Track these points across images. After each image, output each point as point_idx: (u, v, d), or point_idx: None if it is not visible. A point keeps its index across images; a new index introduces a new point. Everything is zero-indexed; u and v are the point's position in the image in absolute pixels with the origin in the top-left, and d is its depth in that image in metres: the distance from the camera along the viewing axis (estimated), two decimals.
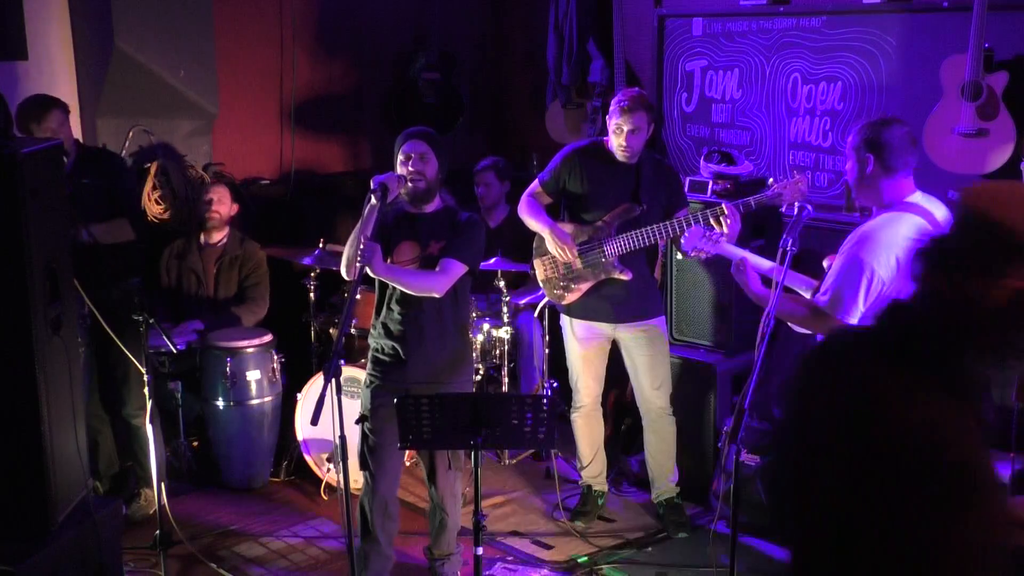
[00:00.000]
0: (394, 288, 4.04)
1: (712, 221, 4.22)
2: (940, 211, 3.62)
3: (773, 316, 3.46)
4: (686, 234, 3.97)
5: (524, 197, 4.71)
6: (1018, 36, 4.54)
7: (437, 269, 3.96)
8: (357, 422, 4.06)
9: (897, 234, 3.47)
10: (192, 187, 5.72)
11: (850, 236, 3.58)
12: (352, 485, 3.96)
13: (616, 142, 4.50)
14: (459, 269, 3.98)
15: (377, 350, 4.13)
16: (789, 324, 3.92)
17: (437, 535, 4.26)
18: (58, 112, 4.64)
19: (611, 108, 4.50)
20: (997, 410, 4.70)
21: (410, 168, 3.97)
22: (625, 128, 4.45)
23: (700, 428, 5.00)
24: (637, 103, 4.45)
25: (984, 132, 4.51)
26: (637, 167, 4.56)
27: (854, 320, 3.51)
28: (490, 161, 6.07)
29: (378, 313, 4.13)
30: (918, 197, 3.58)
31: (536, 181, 4.71)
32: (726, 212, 4.18)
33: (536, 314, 5.49)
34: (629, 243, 4.49)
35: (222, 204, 5.45)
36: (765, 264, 3.82)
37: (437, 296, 3.96)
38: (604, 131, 4.68)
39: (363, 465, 4.12)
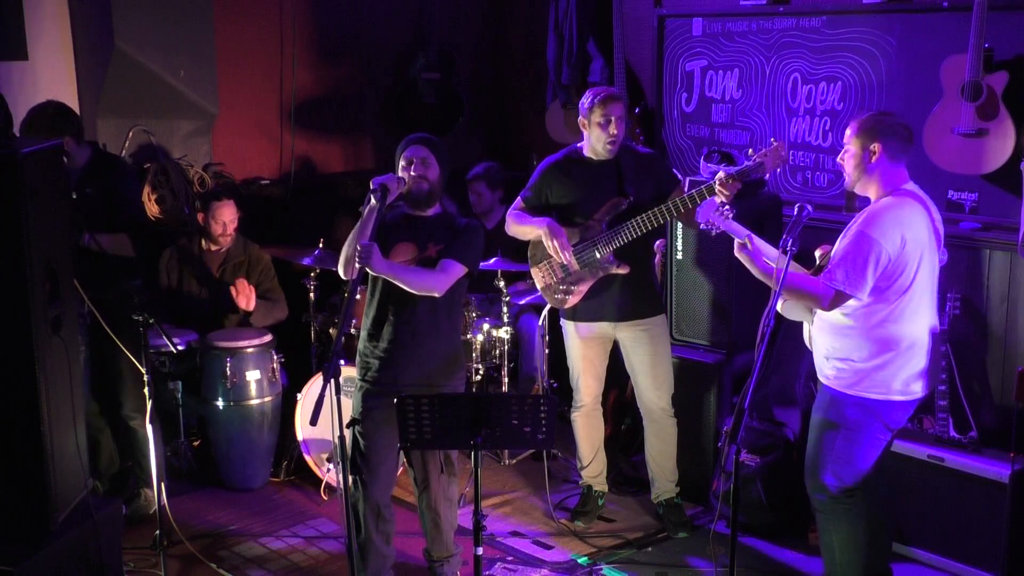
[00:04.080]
0: (387, 289, 4.00)
1: (699, 200, 4.30)
2: (930, 201, 3.80)
3: (774, 308, 3.47)
4: (700, 205, 4.03)
5: (509, 215, 4.72)
6: (1018, 36, 4.53)
7: (436, 268, 3.96)
8: (348, 426, 3.90)
9: (902, 214, 3.66)
10: (190, 188, 5.72)
11: (856, 218, 3.75)
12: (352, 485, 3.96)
13: (604, 135, 4.50)
14: (459, 270, 3.97)
15: (366, 353, 4.09)
16: (785, 313, 3.93)
17: (434, 539, 4.23)
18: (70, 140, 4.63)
19: (586, 107, 4.52)
20: (997, 410, 4.70)
21: (412, 173, 3.98)
22: (612, 117, 4.47)
23: (700, 428, 5.00)
24: (612, 94, 4.51)
25: (984, 132, 4.51)
26: (616, 161, 4.58)
27: (863, 295, 3.60)
28: (481, 169, 6.08)
29: (368, 315, 4.09)
30: (912, 186, 3.77)
31: (519, 199, 4.73)
32: (715, 189, 4.24)
33: (541, 319, 5.47)
34: (621, 236, 4.49)
35: (233, 224, 5.42)
36: (771, 251, 3.86)
37: (437, 295, 3.95)
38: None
39: (354, 469, 4.02)
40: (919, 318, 3.74)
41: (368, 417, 4.01)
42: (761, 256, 3.82)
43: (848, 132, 3.78)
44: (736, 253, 3.85)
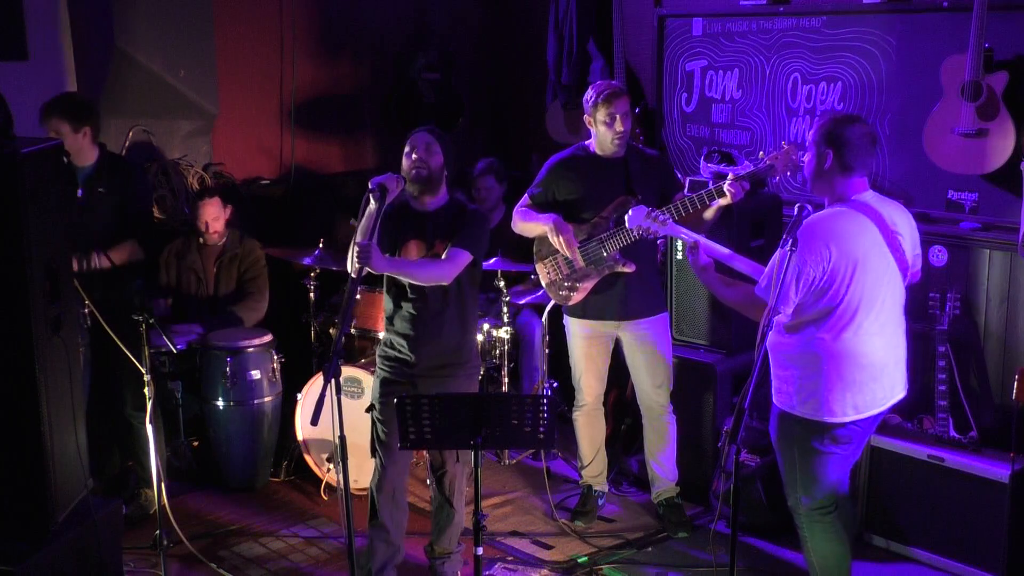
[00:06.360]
0: (394, 281, 4.08)
1: (708, 200, 4.30)
2: (894, 212, 3.62)
3: (774, 308, 3.44)
4: (630, 212, 4.08)
5: (516, 211, 4.72)
6: (1018, 36, 4.54)
7: (444, 257, 4.01)
8: (367, 411, 4.15)
9: (835, 227, 3.51)
10: (190, 188, 5.72)
11: (791, 225, 3.51)
12: (352, 485, 3.97)
13: (610, 133, 4.51)
14: (465, 258, 4.01)
15: (386, 344, 4.19)
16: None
17: (442, 530, 4.27)
18: (55, 121, 4.58)
19: (590, 104, 4.52)
20: (997, 410, 4.70)
21: (414, 156, 4.00)
22: (617, 114, 4.47)
23: (700, 428, 5.00)
24: (617, 90, 4.52)
25: (984, 132, 4.51)
26: (624, 161, 4.59)
27: (789, 309, 3.52)
28: (486, 164, 6.06)
29: (385, 307, 4.19)
30: (869, 196, 3.59)
31: (526, 196, 4.72)
32: (724, 192, 4.23)
33: (544, 317, 5.46)
34: (629, 235, 4.49)
35: (218, 221, 5.43)
36: (722, 250, 3.83)
37: (445, 284, 4.00)
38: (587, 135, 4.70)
39: (373, 453, 4.18)
40: (856, 336, 3.51)
41: (385, 403, 4.10)
42: (703, 262, 3.75)
43: (809, 133, 3.64)
44: (687, 255, 3.81)
